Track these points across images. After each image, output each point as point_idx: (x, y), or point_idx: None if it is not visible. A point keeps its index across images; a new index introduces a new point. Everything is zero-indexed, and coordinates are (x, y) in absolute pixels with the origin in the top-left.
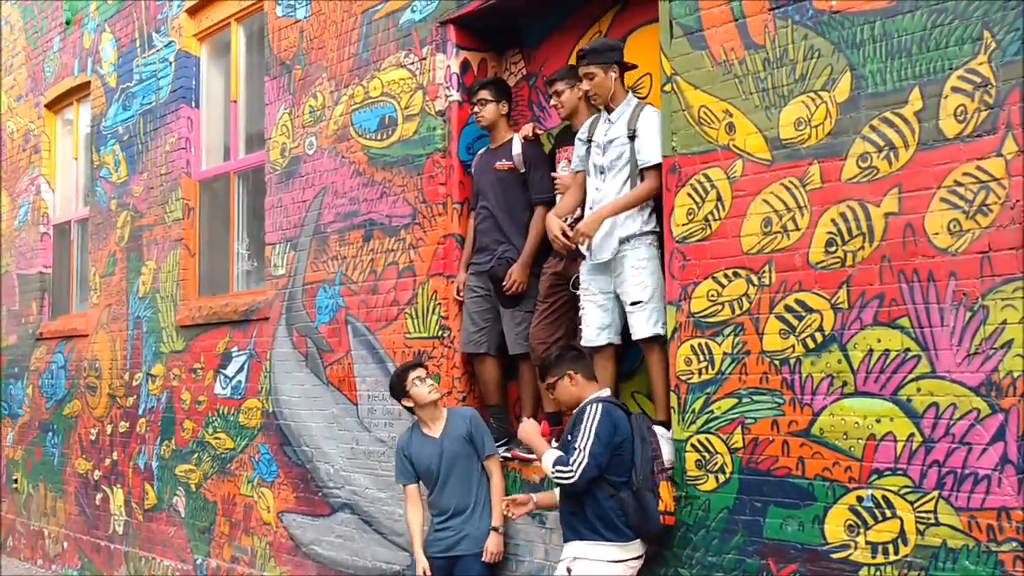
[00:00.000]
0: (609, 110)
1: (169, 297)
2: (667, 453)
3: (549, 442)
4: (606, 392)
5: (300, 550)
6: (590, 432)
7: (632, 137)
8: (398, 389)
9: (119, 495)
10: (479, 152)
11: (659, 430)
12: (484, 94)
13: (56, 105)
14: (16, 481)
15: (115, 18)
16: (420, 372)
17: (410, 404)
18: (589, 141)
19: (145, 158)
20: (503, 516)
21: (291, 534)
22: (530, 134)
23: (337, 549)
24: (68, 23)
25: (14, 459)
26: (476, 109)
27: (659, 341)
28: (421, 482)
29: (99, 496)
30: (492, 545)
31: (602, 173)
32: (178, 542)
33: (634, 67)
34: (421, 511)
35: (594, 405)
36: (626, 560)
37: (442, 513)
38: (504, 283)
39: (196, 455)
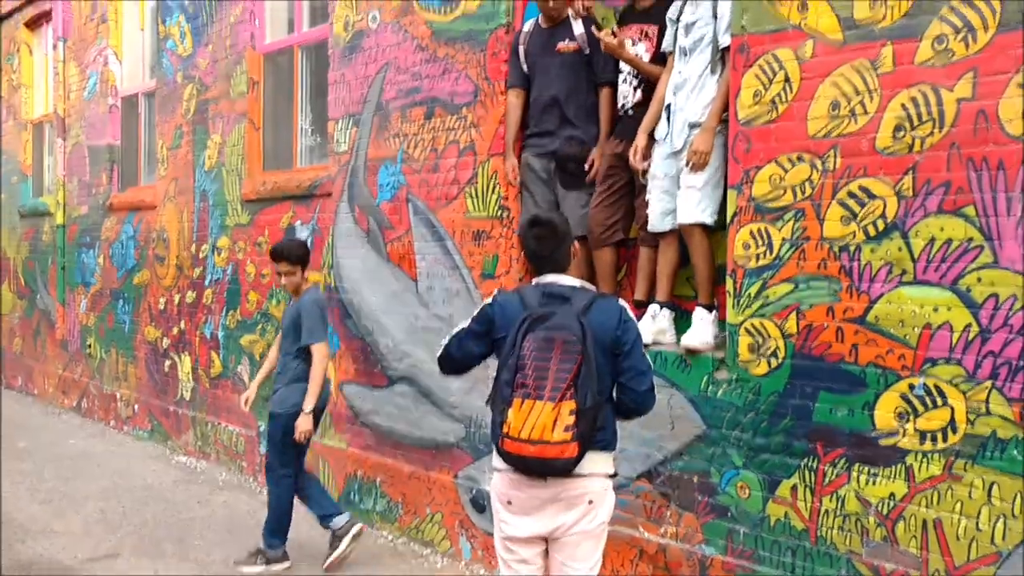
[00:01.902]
0: None
1: (234, 171)
2: (705, 336)
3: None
4: (547, 279)
5: (359, 420)
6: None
7: (716, 16)
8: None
9: (187, 362)
10: (525, 29)
11: (699, 312)
12: None
13: None
14: (90, 346)
15: None
16: (283, 267)
17: None
18: (677, 21)
19: (210, 30)
20: (313, 401)
21: (351, 404)
22: (582, 9)
23: (395, 420)
24: None
25: (87, 325)
26: (551, 3)
27: (701, 228)
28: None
29: (167, 363)
30: (301, 423)
31: (685, 55)
32: (242, 409)
33: None
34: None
35: (495, 291)
36: (506, 471)
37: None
38: (585, 165)
39: (260, 326)
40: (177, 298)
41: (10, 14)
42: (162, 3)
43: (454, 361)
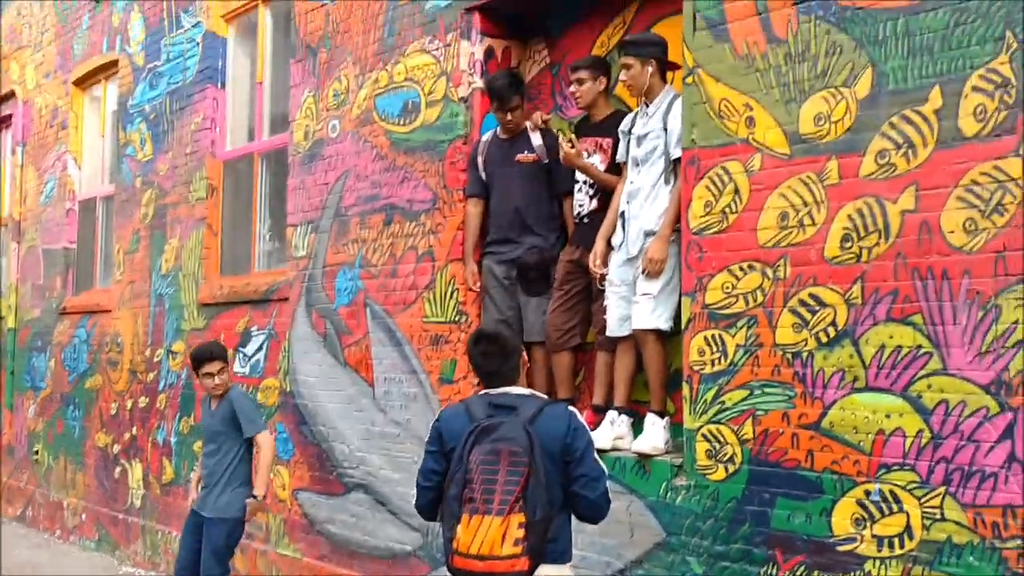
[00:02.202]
0: (647, 104)
1: (191, 275)
2: (656, 442)
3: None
4: (496, 391)
5: (314, 528)
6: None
7: (666, 129)
8: (193, 367)
9: (137, 469)
10: (484, 139)
11: (651, 418)
12: (516, 100)
13: (84, 83)
14: (37, 452)
15: None
16: (214, 367)
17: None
18: (629, 133)
19: (171, 137)
20: (265, 487)
21: (305, 512)
22: (539, 122)
23: (350, 528)
24: (98, 1)
25: (36, 431)
26: (508, 117)
27: (656, 334)
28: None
29: (118, 470)
30: (254, 507)
31: (637, 165)
32: None
33: (677, 67)
34: None
35: (441, 409)
36: None
37: (203, 480)
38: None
39: None
40: (130, 403)
41: None
42: (123, 110)
43: (428, 491)
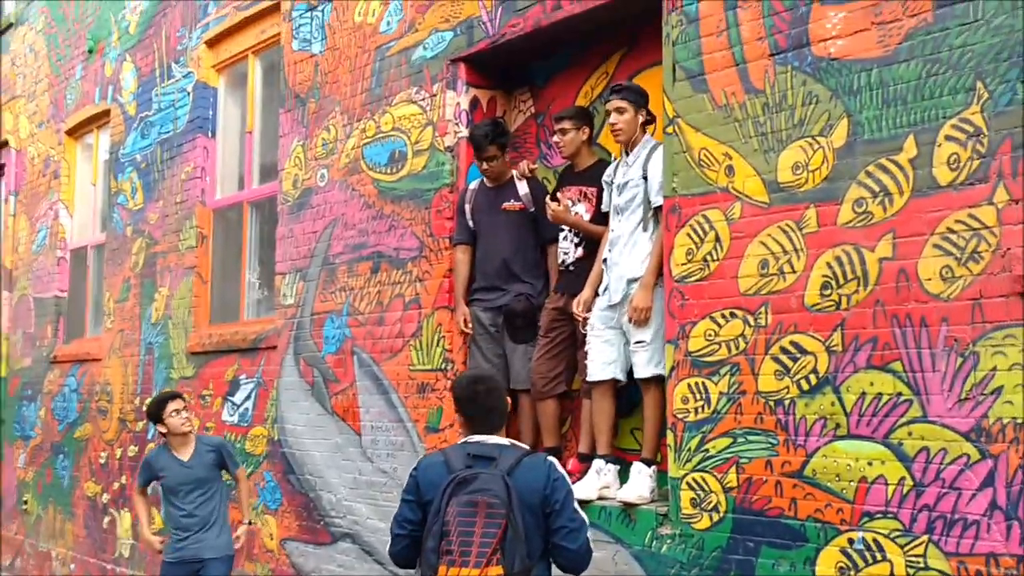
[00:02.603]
0: (627, 152)
1: (181, 324)
2: (641, 491)
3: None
4: (474, 439)
5: None
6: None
7: (645, 178)
8: (155, 415)
9: (126, 519)
10: (471, 187)
11: (637, 466)
12: (492, 151)
13: (76, 132)
14: (26, 502)
15: (136, 48)
16: (178, 404)
17: (164, 430)
18: (610, 184)
19: (161, 186)
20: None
21: (293, 562)
22: (526, 171)
23: None
24: (91, 51)
25: (25, 480)
26: (483, 166)
27: (657, 381)
28: (159, 492)
29: (107, 519)
30: (242, 534)
31: (619, 213)
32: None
33: (654, 120)
34: (147, 505)
35: (420, 459)
36: None
37: (185, 528)
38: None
39: None
40: (119, 452)
41: None
42: (115, 159)
43: (401, 539)
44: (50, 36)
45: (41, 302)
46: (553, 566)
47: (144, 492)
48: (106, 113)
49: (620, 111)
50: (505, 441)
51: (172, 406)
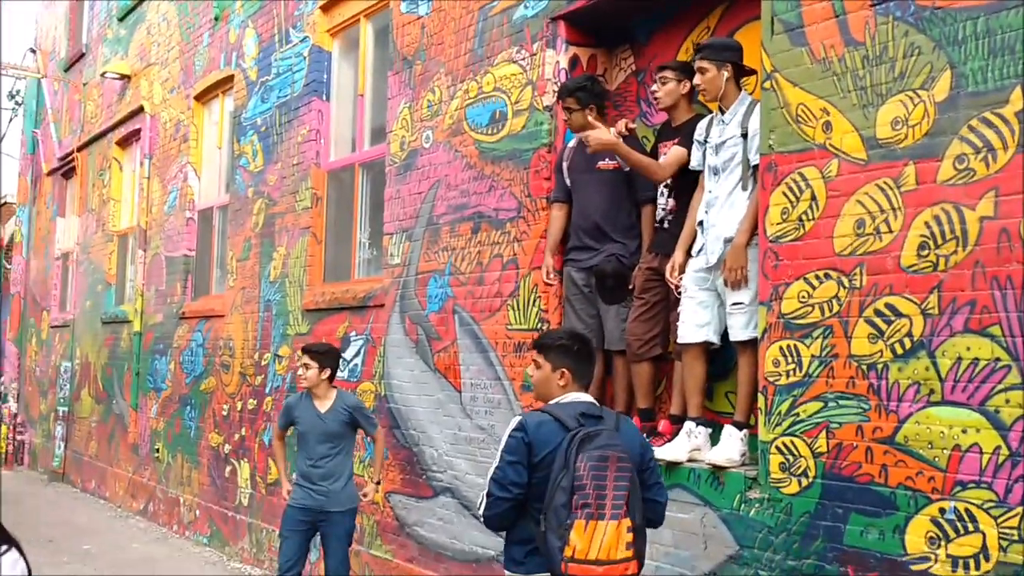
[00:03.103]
0: (723, 111)
1: (296, 282)
2: (730, 453)
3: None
4: (569, 398)
5: (404, 530)
6: (498, 455)
7: (745, 135)
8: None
9: (246, 469)
10: (570, 145)
11: (728, 429)
12: (569, 102)
13: (204, 97)
14: (158, 450)
15: (257, 14)
16: (305, 359)
17: None
18: (705, 142)
19: (279, 148)
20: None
21: (396, 514)
22: (624, 129)
23: (437, 531)
24: (216, 19)
25: (157, 430)
26: (564, 116)
27: (753, 344)
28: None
29: (228, 469)
30: (371, 492)
31: (716, 174)
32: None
33: (753, 72)
34: (285, 448)
35: (516, 418)
36: None
37: (309, 478)
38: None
39: None
40: (239, 405)
41: (104, 133)
42: (238, 123)
43: (505, 503)
44: (181, 5)
45: (172, 260)
46: None
47: (283, 436)
48: (230, 78)
49: (702, 71)
50: (594, 399)
51: (303, 360)
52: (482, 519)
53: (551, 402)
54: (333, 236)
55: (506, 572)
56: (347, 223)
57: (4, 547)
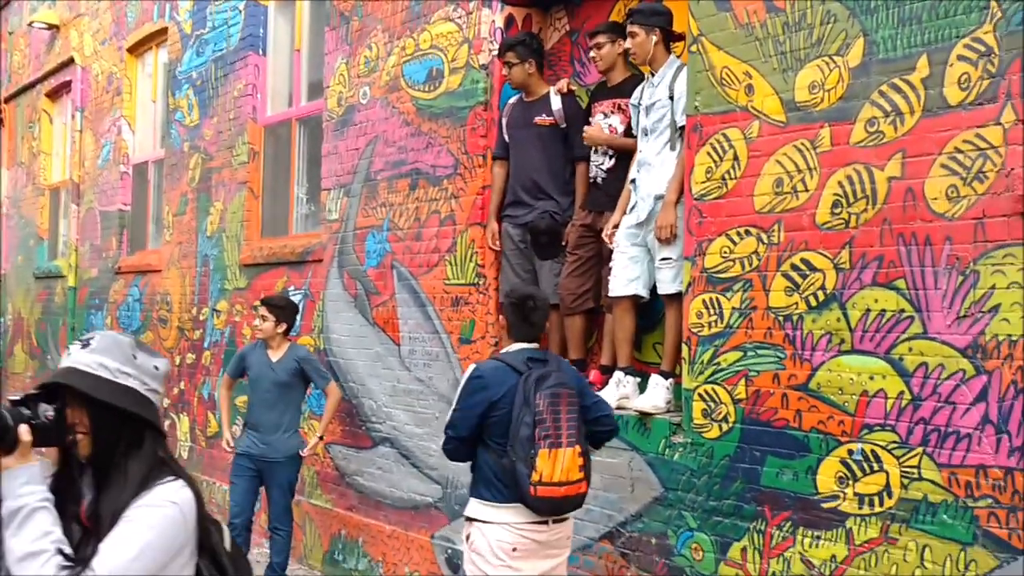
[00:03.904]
0: (653, 74)
1: (234, 237)
2: (656, 401)
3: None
4: (516, 347)
5: (344, 480)
6: (456, 397)
7: (672, 98)
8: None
9: (185, 422)
10: (510, 101)
11: (655, 378)
12: (509, 56)
13: (137, 49)
14: None
15: None
16: (263, 311)
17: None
18: (638, 105)
19: (215, 103)
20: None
21: (337, 465)
22: (565, 88)
23: (377, 480)
24: None
25: None
26: (504, 71)
27: (679, 297)
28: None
29: (167, 423)
30: (311, 445)
31: (646, 135)
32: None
33: (682, 37)
34: (231, 398)
35: (472, 366)
36: (513, 523)
37: (254, 426)
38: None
39: None
40: (178, 359)
41: (33, 84)
42: (172, 77)
43: (464, 441)
44: None
45: (106, 215)
46: None
47: (231, 385)
48: (164, 31)
49: (632, 35)
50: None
51: (261, 311)
52: (446, 452)
53: (502, 351)
54: (270, 191)
55: (477, 503)
56: (284, 178)
57: (171, 477)
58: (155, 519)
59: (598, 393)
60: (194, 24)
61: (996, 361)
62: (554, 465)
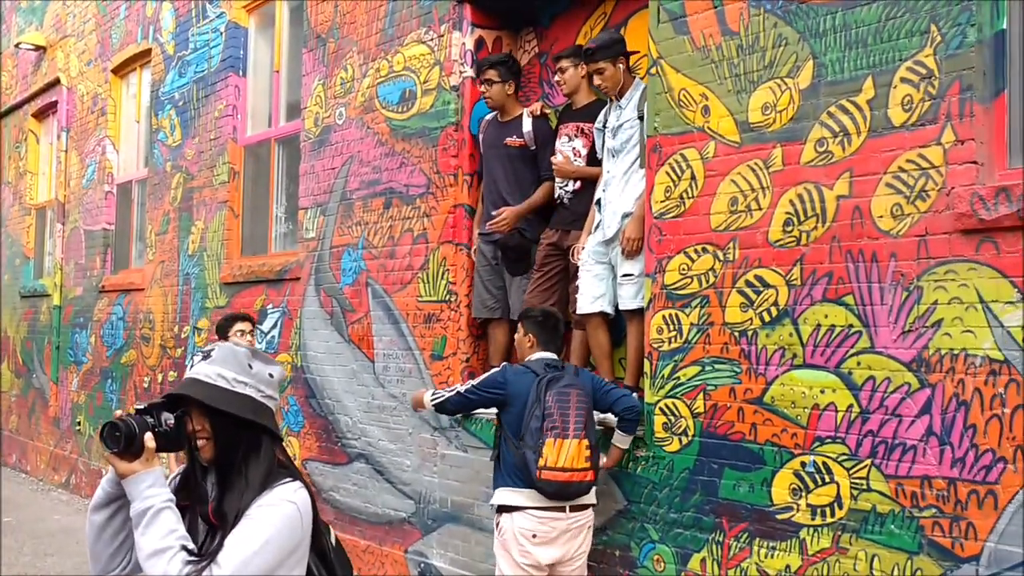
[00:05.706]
0: (620, 96)
1: (215, 255)
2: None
3: None
4: (537, 356)
5: (321, 496)
6: (478, 379)
7: (641, 118)
8: (222, 331)
9: None
10: (486, 119)
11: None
12: (490, 74)
13: (121, 70)
14: (79, 423)
15: None
16: (245, 326)
17: None
18: (604, 128)
19: (197, 123)
20: None
21: (314, 481)
22: (538, 111)
23: (352, 496)
24: None
25: (78, 403)
26: (483, 89)
27: (641, 313)
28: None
29: None
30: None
31: (614, 156)
32: None
33: (636, 52)
34: None
35: (503, 364)
36: (530, 508)
37: None
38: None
39: None
40: (160, 377)
41: (20, 104)
42: (155, 97)
43: (471, 403)
44: None
45: (91, 234)
46: None
47: None
48: (148, 52)
49: (600, 72)
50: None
51: (238, 326)
52: (439, 401)
53: (525, 360)
54: (250, 210)
55: (501, 491)
56: (264, 197)
57: (288, 478)
58: (275, 517)
59: (606, 382)
60: (176, 45)
61: (939, 375)
62: (559, 453)
